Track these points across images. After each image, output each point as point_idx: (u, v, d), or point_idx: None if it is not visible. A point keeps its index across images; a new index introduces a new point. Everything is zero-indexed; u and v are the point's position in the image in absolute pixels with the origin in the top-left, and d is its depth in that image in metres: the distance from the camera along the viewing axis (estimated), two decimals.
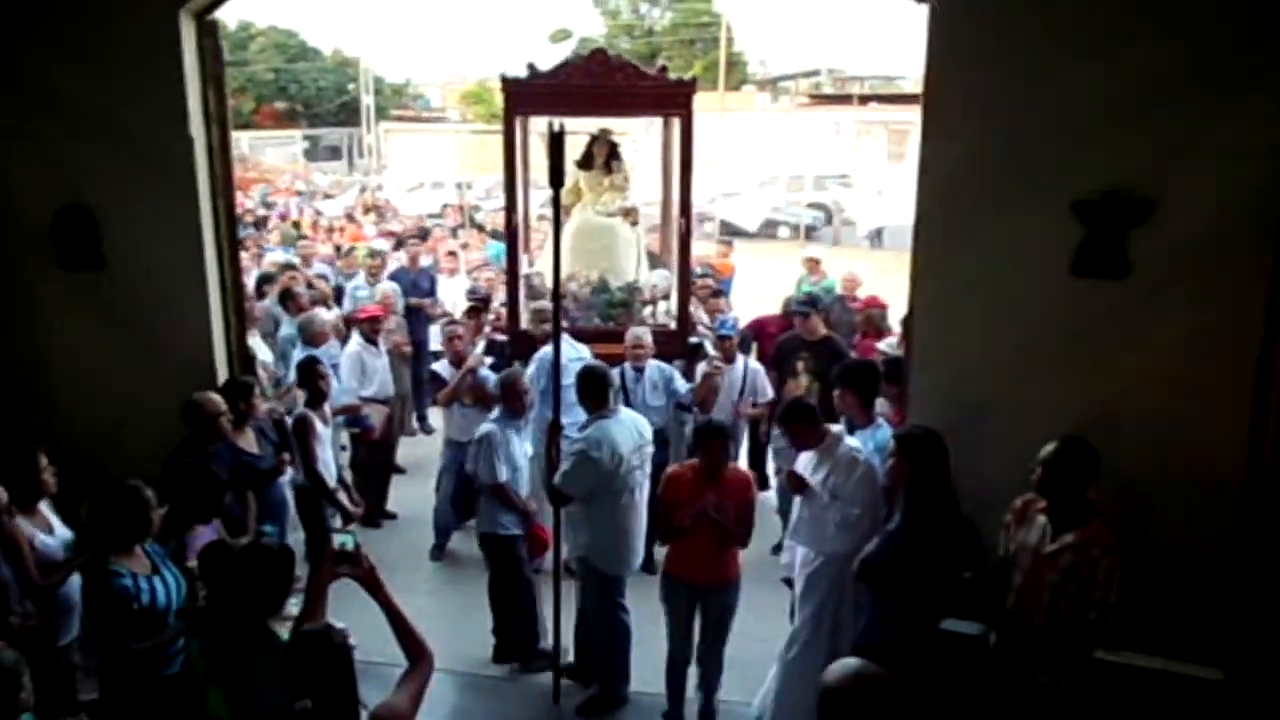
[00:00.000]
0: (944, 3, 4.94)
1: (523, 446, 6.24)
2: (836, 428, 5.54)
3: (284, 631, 3.67)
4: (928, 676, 4.16)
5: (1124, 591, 4.21)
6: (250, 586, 3.73)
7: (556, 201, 5.54)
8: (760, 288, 12.01)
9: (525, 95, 7.73)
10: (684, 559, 5.46)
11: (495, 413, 6.22)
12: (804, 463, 5.43)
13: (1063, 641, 4.27)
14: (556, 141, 4.88)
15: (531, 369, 7.01)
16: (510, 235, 8.08)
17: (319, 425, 6.41)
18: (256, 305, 8.57)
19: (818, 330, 7.60)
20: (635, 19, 47.03)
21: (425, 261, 11.25)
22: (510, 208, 8.01)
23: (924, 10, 5.01)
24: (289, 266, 10.90)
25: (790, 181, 30.38)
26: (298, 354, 7.50)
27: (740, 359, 7.71)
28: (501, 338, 8.22)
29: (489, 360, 7.74)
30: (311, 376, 6.61)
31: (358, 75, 40.95)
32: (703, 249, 12.04)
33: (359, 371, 7.94)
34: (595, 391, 5.65)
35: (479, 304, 8.85)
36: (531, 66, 7.62)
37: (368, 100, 39.46)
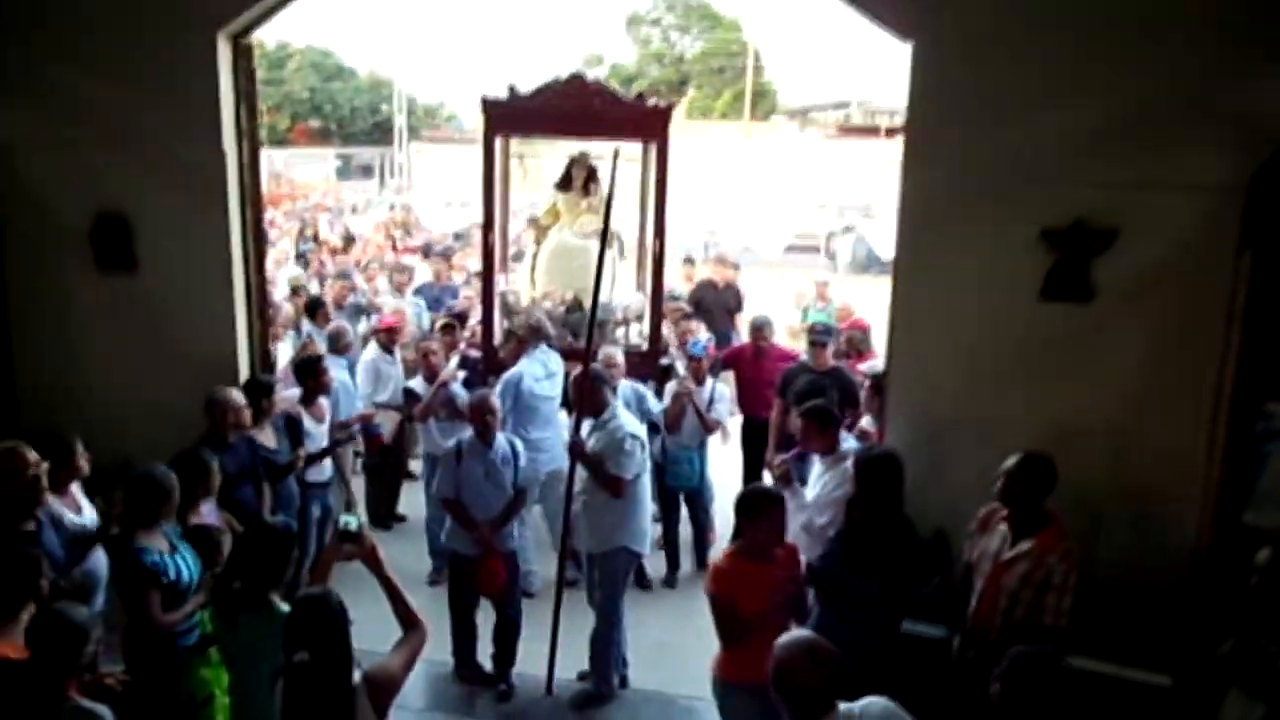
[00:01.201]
0: (925, 42, 5.28)
1: (495, 470, 5.96)
2: (850, 444, 5.69)
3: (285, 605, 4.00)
4: (879, 677, 4.39)
5: (1078, 598, 4.48)
6: (253, 560, 4.06)
7: (606, 223, 5.43)
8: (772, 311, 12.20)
9: (505, 116, 7.82)
10: (754, 659, 3.87)
11: (468, 431, 6.12)
12: (815, 471, 5.64)
13: (1018, 644, 4.51)
14: (614, 167, 5.02)
15: (499, 388, 7.12)
16: (486, 253, 8.14)
17: (308, 422, 6.65)
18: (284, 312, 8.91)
19: (828, 361, 7.51)
20: (665, 47, 47.60)
21: (453, 278, 11.54)
22: (487, 225, 8.08)
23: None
24: (342, 276, 11.26)
25: (815, 210, 30.70)
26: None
27: (710, 381, 7.75)
28: (475, 354, 8.29)
29: (462, 375, 7.83)
30: (306, 375, 6.77)
31: (391, 95, 41.67)
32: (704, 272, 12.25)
33: (374, 378, 8.24)
34: (603, 389, 5.97)
35: (454, 320, 8.84)
36: (512, 88, 7.75)
37: (400, 120, 40.12)
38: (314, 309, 9.04)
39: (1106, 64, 4.98)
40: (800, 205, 31.01)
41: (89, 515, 5.02)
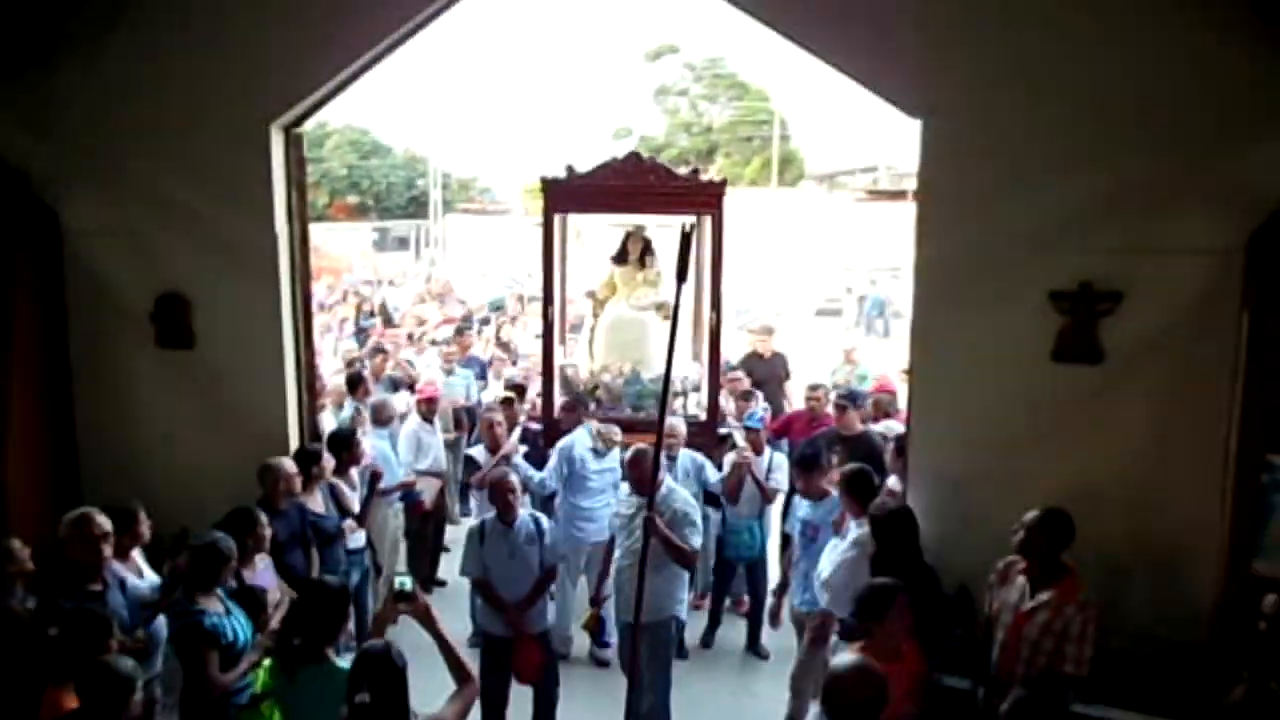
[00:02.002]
0: (935, 119, 5.58)
1: (519, 549, 5.94)
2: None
3: (343, 661, 4.24)
4: None
5: (1106, 649, 4.65)
6: (312, 618, 4.31)
7: (678, 296, 5.18)
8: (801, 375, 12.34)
9: (563, 194, 8.15)
10: None
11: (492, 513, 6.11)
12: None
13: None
14: (685, 241, 4.97)
15: (553, 458, 7.44)
16: (546, 327, 8.34)
17: (345, 489, 6.87)
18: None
19: (854, 425, 7.72)
20: (694, 116, 48.30)
21: (477, 350, 11.86)
22: (548, 300, 8.32)
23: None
24: (380, 350, 11.58)
25: (843, 274, 30.93)
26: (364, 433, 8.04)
27: (768, 450, 7.77)
28: (536, 426, 8.42)
29: (523, 449, 7.96)
30: (340, 448, 6.90)
31: (426, 170, 42.61)
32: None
33: (415, 447, 8.52)
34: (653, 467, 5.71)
35: (514, 392, 9.03)
36: (570, 168, 8.08)
37: (435, 194, 40.98)
38: (355, 384, 9.26)
39: (1107, 136, 5.24)
40: (828, 269, 31.29)
41: (150, 579, 5.31)
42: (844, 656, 3.65)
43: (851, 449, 7.37)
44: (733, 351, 11.12)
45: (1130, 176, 5.21)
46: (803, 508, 6.42)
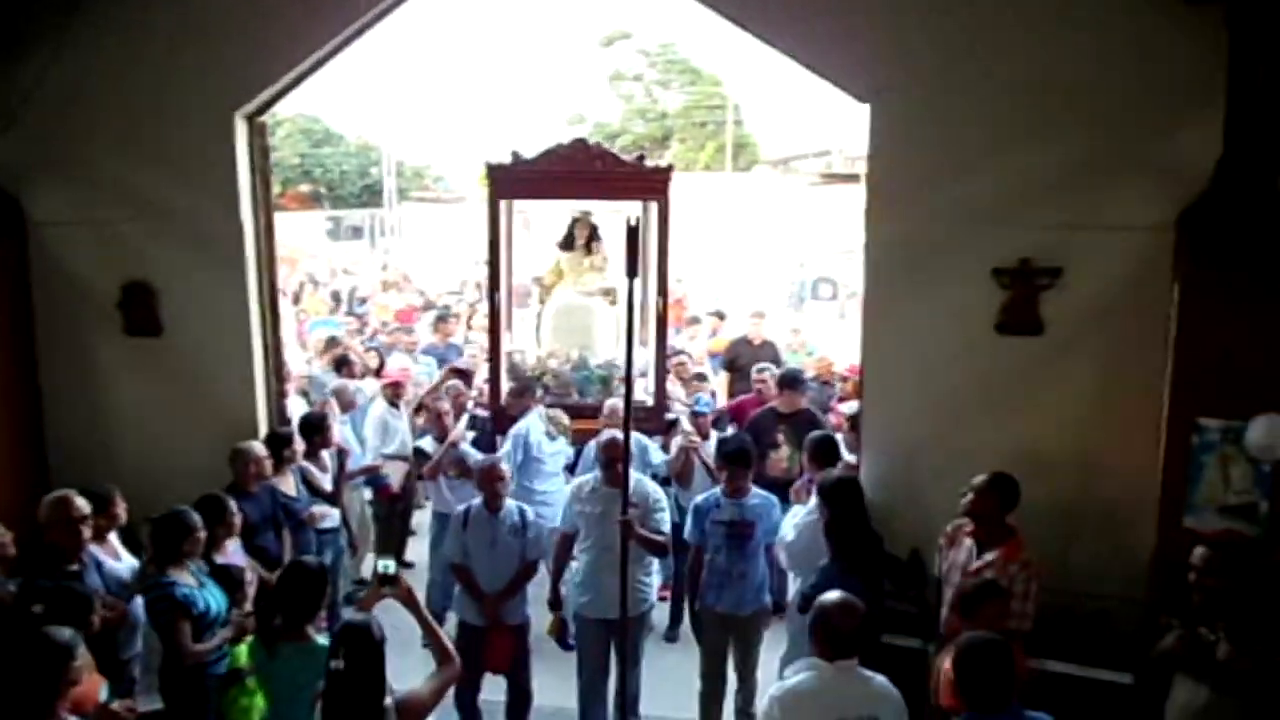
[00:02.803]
0: (881, 102, 5.79)
1: (502, 539, 5.86)
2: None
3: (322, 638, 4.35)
4: None
5: (1055, 605, 4.92)
6: (292, 596, 4.42)
7: (630, 292, 5.07)
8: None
9: (509, 180, 7.95)
10: None
11: (479, 497, 6.04)
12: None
13: None
14: (632, 236, 4.85)
15: (508, 442, 7.42)
16: (493, 313, 8.18)
17: (315, 472, 6.99)
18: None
19: (797, 403, 7.72)
20: (649, 103, 48.31)
21: (455, 338, 11.82)
22: (493, 287, 8.15)
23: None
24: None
25: (796, 256, 31.16)
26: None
27: (714, 435, 7.73)
28: (484, 413, 8.32)
29: (471, 435, 7.91)
30: (311, 432, 7.02)
31: (379, 159, 42.27)
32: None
33: (382, 431, 8.61)
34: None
35: (460, 378, 8.91)
36: (515, 154, 7.92)
37: (389, 183, 40.67)
38: (340, 365, 9.31)
39: (1048, 116, 5.49)
40: (783, 253, 31.54)
41: (129, 562, 5.40)
42: (832, 593, 3.92)
43: (794, 426, 7.49)
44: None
45: (1069, 156, 5.46)
46: (727, 509, 5.93)
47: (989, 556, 4.90)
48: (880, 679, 3.90)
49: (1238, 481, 5.15)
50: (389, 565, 4.27)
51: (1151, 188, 5.36)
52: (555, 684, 6.32)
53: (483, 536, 5.86)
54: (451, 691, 5.62)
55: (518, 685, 6.01)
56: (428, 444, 7.82)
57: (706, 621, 6.08)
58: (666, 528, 5.85)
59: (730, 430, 8.18)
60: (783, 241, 31.79)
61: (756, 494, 6.02)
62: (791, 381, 7.86)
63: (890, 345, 5.96)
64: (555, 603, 6.18)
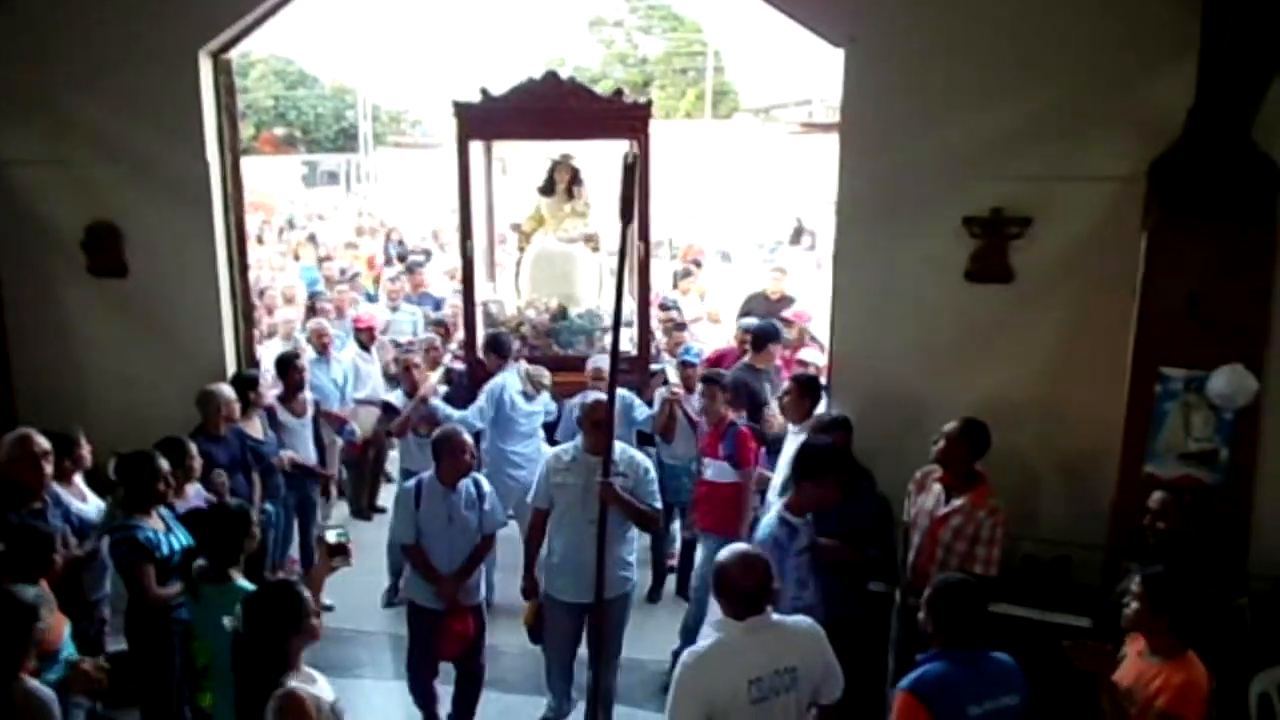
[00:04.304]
0: (856, 48, 5.75)
1: (459, 514, 5.33)
2: None
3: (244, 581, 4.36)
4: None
5: (1010, 552, 4.97)
6: (214, 540, 4.44)
7: (623, 238, 4.78)
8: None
9: (478, 119, 7.46)
10: None
11: (429, 470, 5.45)
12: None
13: None
14: (629, 174, 4.46)
15: (481, 399, 7.01)
16: (465, 262, 7.78)
17: (287, 417, 6.98)
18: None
19: (771, 360, 7.42)
20: (630, 48, 47.85)
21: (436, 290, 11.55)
22: (465, 234, 7.66)
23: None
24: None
25: (775, 205, 31.06)
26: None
27: (700, 388, 7.07)
28: (460, 366, 7.96)
29: (444, 389, 7.60)
30: (287, 371, 7.05)
31: (355, 102, 41.72)
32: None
33: (354, 376, 8.54)
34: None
35: (439, 330, 8.66)
36: (484, 91, 7.42)
37: (365, 127, 40.19)
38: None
39: (1019, 68, 5.48)
40: (764, 202, 31.43)
41: (96, 504, 5.39)
42: (733, 547, 3.81)
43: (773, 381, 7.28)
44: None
45: (1041, 106, 5.45)
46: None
47: (957, 502, 4.93)
48: (797, 623, 3.74)
49: (1199, 429, 5.22)
50: (343, 534, 4.30)
51: (1123, 138, 5.37)
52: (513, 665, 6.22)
53: (438, 513, 5.29)
54: (405, 677, 5.60)
55: (471, 669, 5.58)
56: (397, 398, 7.46)
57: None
58: (658, 503, 5.32)
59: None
60: (762, 190, 31.71)
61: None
62: (763, 339, 7.46)
63: (861, 294, 5.97)
64: (531, 589, 5.50)
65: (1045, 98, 5.43)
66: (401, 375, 7.51)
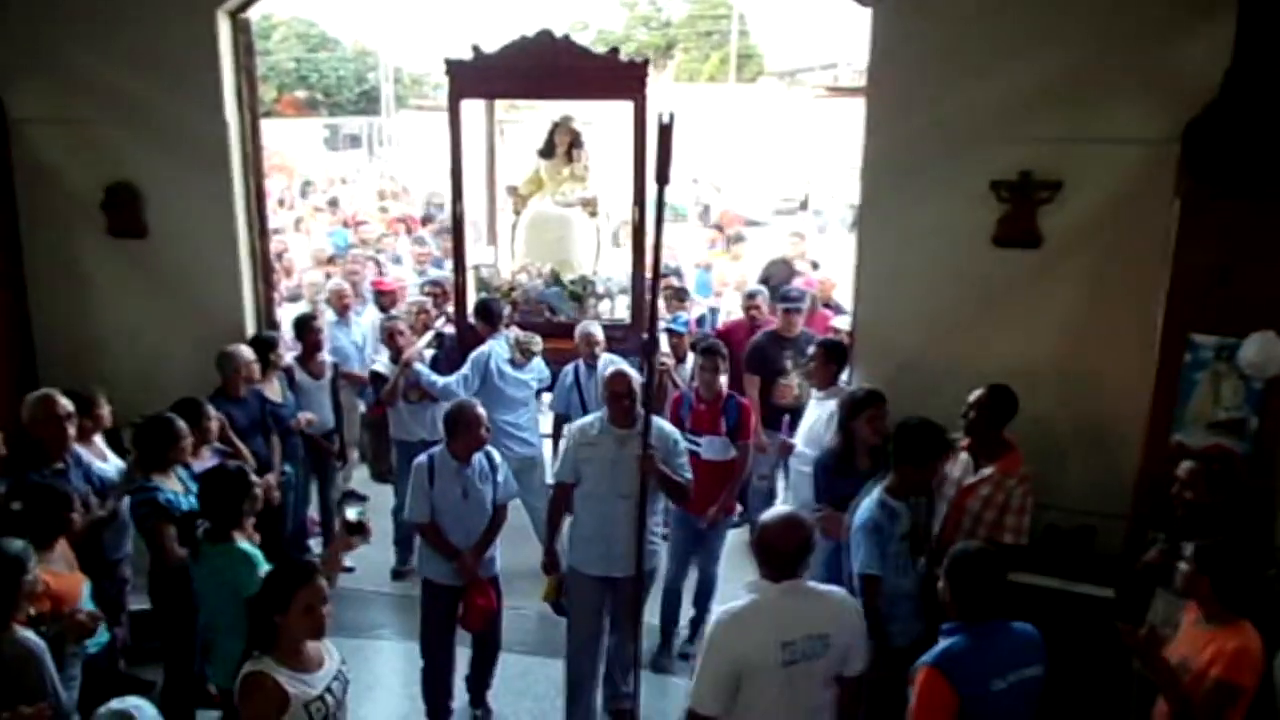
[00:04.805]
0: (883, 8, 5.62)
1: (474, 489, 5.23)
2: None
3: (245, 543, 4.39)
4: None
5: (1034, 522, 4.88)
6: (215, 501, 4.44)
7: (660, 201, 4.41)
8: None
9: (469, 77, 7.18)
10: None
11: (439, 446, 5.30)
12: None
13: None
14: (665, 135, 4.20)
15: (467, 367, 6.79)
16: (456, 225, 7.57)
17: (305, 378, 6.95)
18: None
19: (797, 326, 7.20)
20: (653, 10, 47.38)
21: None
22: (456, 197, 7.41)
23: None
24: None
25: (800, 170, 30.78)
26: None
27: (691, 357, 7.20)
28: (450, 330, 7.70)
29: (430, 354, 7.28)
30: (304, 332, 7.03)
31: (377, 65, 41.56)
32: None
33: (375, 339, 8.53)
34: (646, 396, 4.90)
35: (437, 290, 8.37)
36: (476, 48, 7.10)
37: (387, 89, 40.05)
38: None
39: (1049, 27, 5.33)
40: (788, 167, 31.14)
41: (116, 463, 5.41)
42: (772, 512, 3.80)
43: (798, 349, 7.03)
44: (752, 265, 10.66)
45: (1072, 68, 5.31)
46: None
47: (986, 471, 4.83)
48: (831, 592, 3.76)
49: (1228, 398, 5.12)
50: (361, 512, 4.31)
51: (1155, 101, 5.22)
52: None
53: (453, 490, 5.17)
54: (420, 661, 5.48)
55: (489, 641, 5.54)
56: (382, 365, 7.12)
57: None
58: (689, 474, 5.16)
59: None
60: (787, 155, 31.42)
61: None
62: (790, 303, 7.24)
63: (886, 258, 5.88)
64: (553, 564, 5.37)
65: (1076, 57, 5.29)
66: (386, 341, 7.23)
